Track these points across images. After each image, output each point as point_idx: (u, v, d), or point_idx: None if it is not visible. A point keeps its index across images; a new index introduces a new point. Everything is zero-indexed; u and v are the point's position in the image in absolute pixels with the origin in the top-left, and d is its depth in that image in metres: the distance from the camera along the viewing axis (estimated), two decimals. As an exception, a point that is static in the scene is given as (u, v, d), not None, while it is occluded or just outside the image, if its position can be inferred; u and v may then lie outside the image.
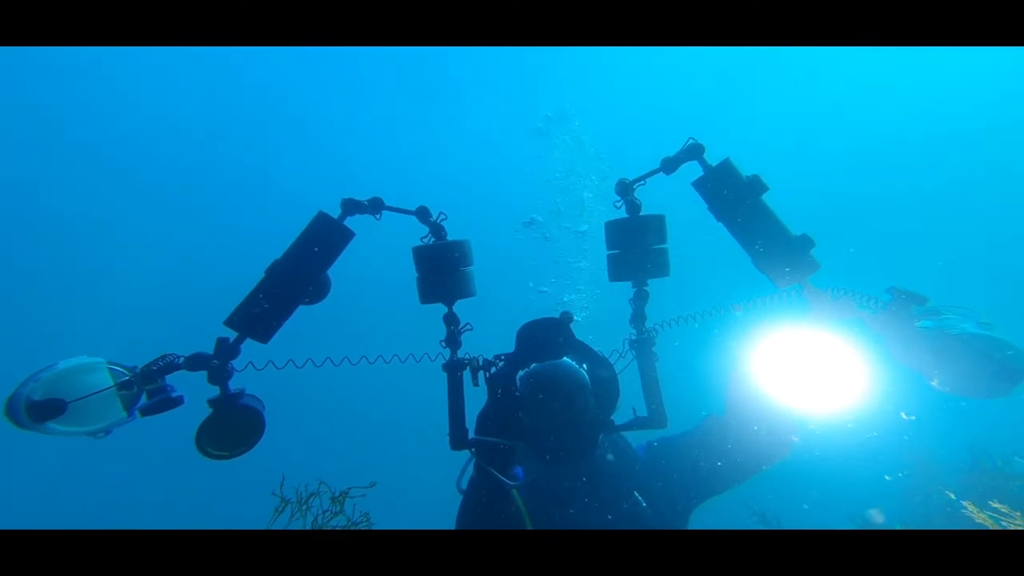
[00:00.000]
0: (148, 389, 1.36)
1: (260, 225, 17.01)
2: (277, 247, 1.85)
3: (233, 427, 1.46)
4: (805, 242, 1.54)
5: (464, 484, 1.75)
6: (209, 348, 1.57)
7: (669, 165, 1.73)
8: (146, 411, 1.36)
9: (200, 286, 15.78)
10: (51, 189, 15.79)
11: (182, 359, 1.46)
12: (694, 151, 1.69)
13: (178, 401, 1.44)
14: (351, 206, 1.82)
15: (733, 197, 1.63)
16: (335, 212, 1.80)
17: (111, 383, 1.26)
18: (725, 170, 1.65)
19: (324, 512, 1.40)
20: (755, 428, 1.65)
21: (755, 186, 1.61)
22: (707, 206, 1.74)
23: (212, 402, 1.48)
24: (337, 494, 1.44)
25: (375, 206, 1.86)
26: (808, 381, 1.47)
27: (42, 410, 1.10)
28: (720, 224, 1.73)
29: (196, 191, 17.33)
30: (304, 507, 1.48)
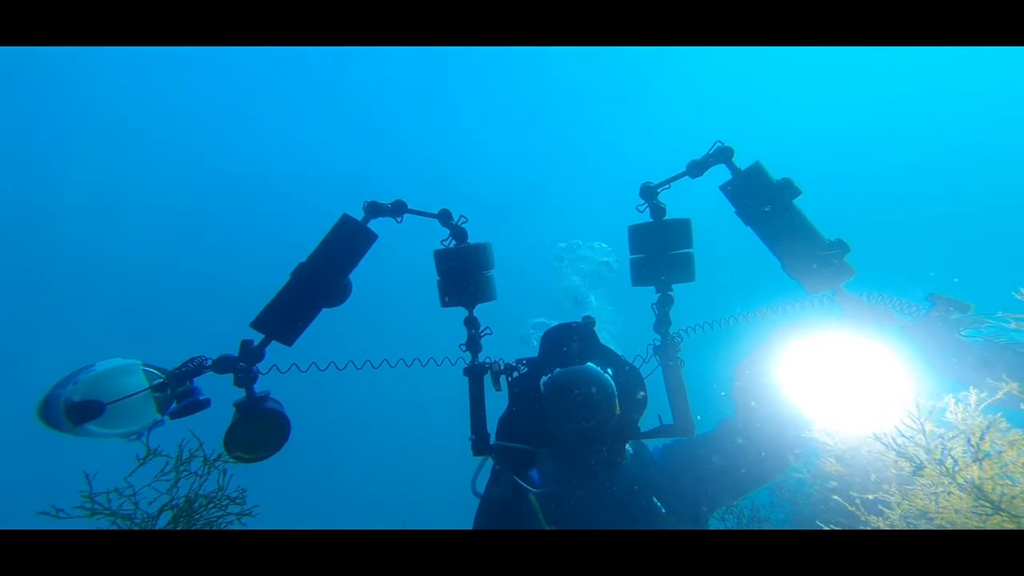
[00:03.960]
0: (177, 392, 1.37)
1: (275, 227, 17.19)
2: (286, 249, 1.86)
3: (259, 430, 1.47)
4: (840, 247, 1.50)
5: (480, 487, 1.74)
6: (220, 351, 1.56)
7: (696, 168, 1.70)
8: (175, 414, 1.37)
9: (211, 289, 16.04)
10: (68, 189, 16.09)
11: (210, 362, 1.47)
12: (722, 154, 1.66)
13: (205, 404, 1.45)
14: (374, 209, 1.83)
15: (763, 201, 1.59)
16: (358, 215, 1.81)
17: (146, 385, 1.27)
18: (755, 174, 1.62)
19: (193, 473, 1.27)
20: (768, 432, 1.64)
21: (786, 190, 1.57)
22: (735, 210, 1.71)
23: (239, 405, 1.49)
24: (212, 457, 1.30)
25: (398, 209, 1.86)
26: (843, 389, 1.43)
27: (81, 412, 1.11)
28: (748, 228, 1.70)
29: (222, 195, 17.57)
30: (183, 467, 1.32)
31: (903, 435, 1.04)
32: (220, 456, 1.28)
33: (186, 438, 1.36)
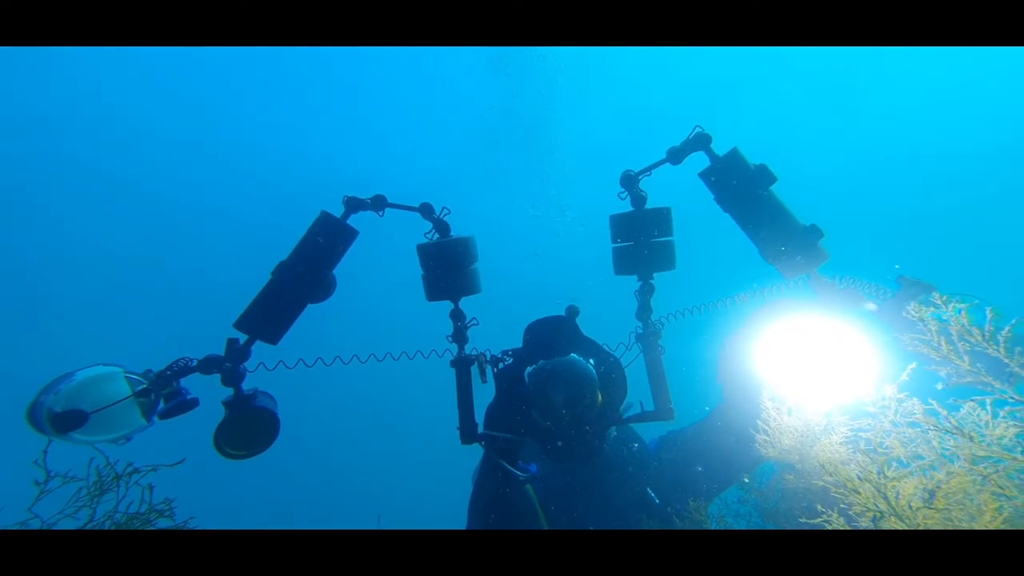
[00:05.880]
0: (164, 393, 1.38)
1: (265, 227, 16.99)
2: (279, 248, 1.85)
3: (249, 427, 1.49)
4: (814, 232, 1.52)
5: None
6: (214, 350, 1.58)
7: (676, 155, 1.70)
8: (164, 415, 1.39)
9: (196, 290, 15.93)
10: (52, 194, 15.75)
11: (195, 362, 1.48)
12: (701, 141, 1.66)
13: (193, 403, 1.46)
14: (354, 204, 1.81)
15: (740, 187, 1.61)
16: (337, 211, 1.80)
17: (128, 392, 1.28)
18: (732, 160, 1.62)
19: (110, 489, 1.13)
20: (753, 417, 1.68)
21: (763, 176, 1.58)
22: (714, 197, 1.72)
23: (227, 404, 1.51)
24: (124, 472, 1.13)
25: (378, 203, 1.84)
26: (813, 370, 1.47)
27: (64, 421, 1.13)
28: (727, 215, 1.71)
29: (196, 194, 17.26)
30: (99, 491, 1.16)
31: (862, 478, 1.03)
32: (135, 470, 1.16)
33: (94, 456, 1.20)
